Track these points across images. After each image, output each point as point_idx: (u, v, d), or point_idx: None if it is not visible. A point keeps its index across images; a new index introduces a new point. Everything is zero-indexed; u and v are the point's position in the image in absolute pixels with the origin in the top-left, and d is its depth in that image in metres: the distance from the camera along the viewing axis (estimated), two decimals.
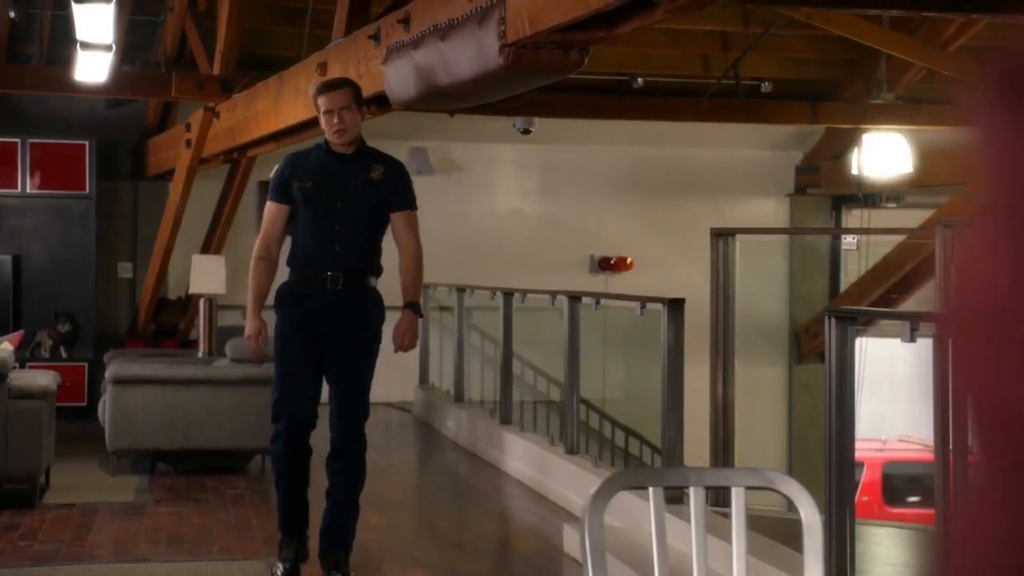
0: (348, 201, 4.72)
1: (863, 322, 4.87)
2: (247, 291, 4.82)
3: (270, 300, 4.85)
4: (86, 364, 10.03)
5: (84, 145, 10.24)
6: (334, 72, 6.29)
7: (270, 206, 4.82)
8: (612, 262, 11.80)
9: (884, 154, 9.80)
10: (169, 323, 10.62)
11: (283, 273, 4.86)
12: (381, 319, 4.81)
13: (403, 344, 4.80)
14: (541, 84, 4.86)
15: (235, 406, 7.23)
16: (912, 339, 4.21)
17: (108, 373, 7.36)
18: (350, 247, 4.71)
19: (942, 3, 4.60)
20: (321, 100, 4.71)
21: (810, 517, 2.08)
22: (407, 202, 4.83)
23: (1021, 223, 0.47)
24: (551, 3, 3.98)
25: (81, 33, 6.42)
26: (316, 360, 4.73)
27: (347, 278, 4.69)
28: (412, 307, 4.81)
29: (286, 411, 4.77)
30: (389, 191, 4.77)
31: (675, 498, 4.45)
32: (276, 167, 4.86)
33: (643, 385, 7.31)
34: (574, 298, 6.97)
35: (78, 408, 9.44)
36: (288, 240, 4.87)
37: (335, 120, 4.67)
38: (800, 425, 11.56)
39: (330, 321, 4.71)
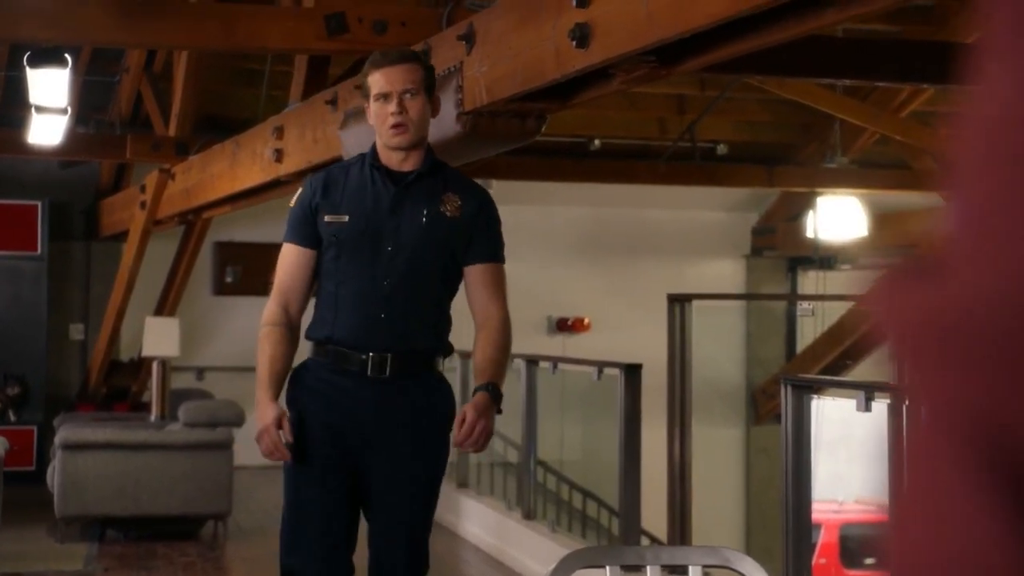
0: (404, 244, 3.24)
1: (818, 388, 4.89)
2: (257, 367, 3.31)
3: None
4: (35, 428, 9.86)
5: (36, 206, 10.13)
6: (291, 137, 6.26)
7: (287, 250, 3.34)
8: (570, 323, 11.79)
9: (839, 217, 9.88)
10: (121, 386, 10.47)
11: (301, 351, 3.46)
12: (450, 423, 3.30)
13: (471, 440, 3.19)
14: (498, 151, 4.86)
15: (188, 471, 7.12)
16: (868, 408, 4.22)
17: (58, 438, 7.24)
18: (405, 315, 3.23)
19: (892, 74, 4.66)
20: (375, 78, 3.26)
21: None
22: (494, 251, 3.36)
23: None
24: (508, 73, 3.98)
25: (35, 97, 6.37)
26: (349, 489, 3.24)
27: (399, 362, 3.21)
28: (489, 390, 3.21)
29: None
30: (469, 233, 3.30)
31: (634, 567, 4.41)
32: (299, 191, 3.41)
33: (601, 446, 7.29)
34: (531, 361, 6.96)
35: (27, 473, 9.26)
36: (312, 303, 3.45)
37: (392, 108, 3.21)
38: (757, 487, 11.54)
39: (372, 428, 3.22)
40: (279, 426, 3.18)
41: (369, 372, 3.22)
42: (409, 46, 4.99)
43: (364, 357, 3.22)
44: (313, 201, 3.32)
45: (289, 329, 3.32)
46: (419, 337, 3.27)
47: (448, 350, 3.37)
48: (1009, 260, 0.43)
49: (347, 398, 3.24)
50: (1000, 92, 0.45)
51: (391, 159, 3.31)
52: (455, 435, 3.22)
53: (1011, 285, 0.43)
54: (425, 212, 3.28)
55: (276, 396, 3.24)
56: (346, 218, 3.27)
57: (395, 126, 3.22)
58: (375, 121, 3.27)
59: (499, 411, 3.25)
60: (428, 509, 3.31)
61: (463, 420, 3.19)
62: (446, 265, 3.31)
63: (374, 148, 3.34)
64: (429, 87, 3.30)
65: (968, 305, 0.44)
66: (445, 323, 3.35)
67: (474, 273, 3.33)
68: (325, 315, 3.29)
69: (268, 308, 3.34)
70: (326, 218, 3.28)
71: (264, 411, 3.21)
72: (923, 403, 0.47)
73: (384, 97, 3.24)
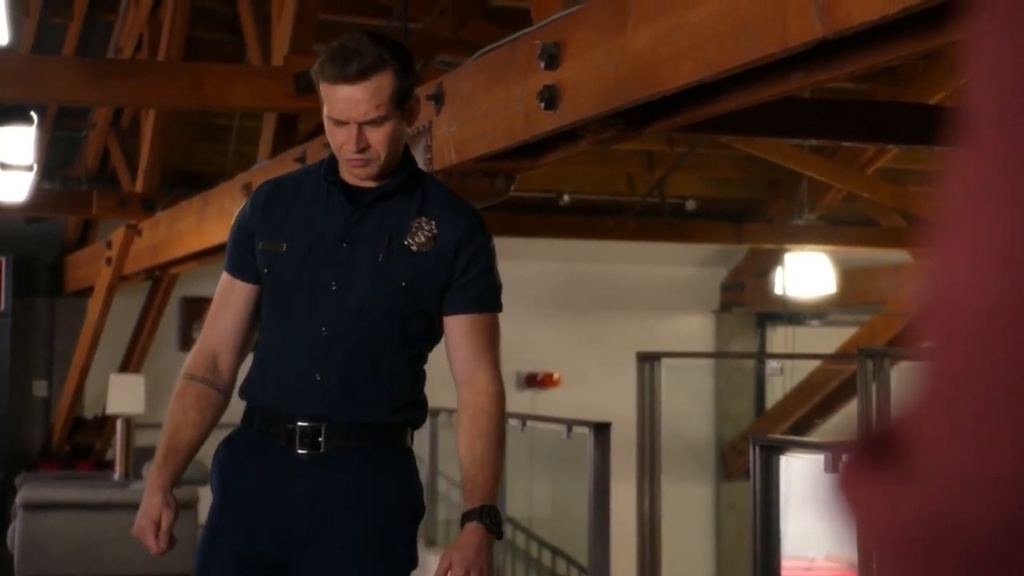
0: (354, 284, 2.46)
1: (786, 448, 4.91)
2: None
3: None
4: None
5: (0, 261, 10.05)
6: None
7: (222, 282, 2.61)
8: (539, 378, 11.76)
9: (807, 273, 9.92)
10: (85, 443, 10.34)
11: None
12: (412, 514, 2.52)
13: None
14: None
15: None
16: (834, 468, 4.22)
17: (19, 497, 7.13)
18: (347, 376, 2.45)
19: (859, 134, 4.69)
20: (326, 93, 2.44)
21: None
22: (480, 297, 2.54)
23: None
24: (477, 133, 3.98)
25: (1, 154, 6.33)
26: None
27: (336, 437, 2.43)
28: (484, 517, 2.42)
29: None
30: (445, 272, 2.49)
31: None
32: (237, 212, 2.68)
33: (570, 503, 7.26)
34: None
35: None
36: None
37: (351, 143, 2.41)
38: (727, 544, 11.50)
39: (304, 526, 2.42)
40: (158, 525, 2.45)
41: (297, 447, 2.41)
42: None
43: (291, 427, 2.42)
44: (251, 220, 2.55)
45: (213, 388, 2.53)
46: (367, 407, 2.44)
47: (417, 422, 2.54)
48: (981, 453, 0.41)
49: (273, 485, 2.43)
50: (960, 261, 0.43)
51: (354, 171, 2.49)
52: None
53: (986, 483, 0.40)
54: (385, 244, 2.47)
55: (170, 481, 2.47)
56: (284, 246, 2.49)
57: (355, 163, 2.44)
58: (329, 139, 2.47)
59: (499, 534, 2.43)
60: None
61: (447, 568, 2.36)
62: (410, 314, 2.47)
63: (332, 156, 2.52)
64: (402, 98, 2.44)
65: (939, 510, 0.42)
66: (409, 390, 2.51)
67: (454, 326, 2.51)
68: (253, 371, 2.54)
69: (192, 354, 2.58)
70: (261, 244, 2.51)
71: (146, 501, 2.46)
72: None
73: (337, 124, 2.43)
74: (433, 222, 2.49)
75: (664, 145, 9.77)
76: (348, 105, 2.40)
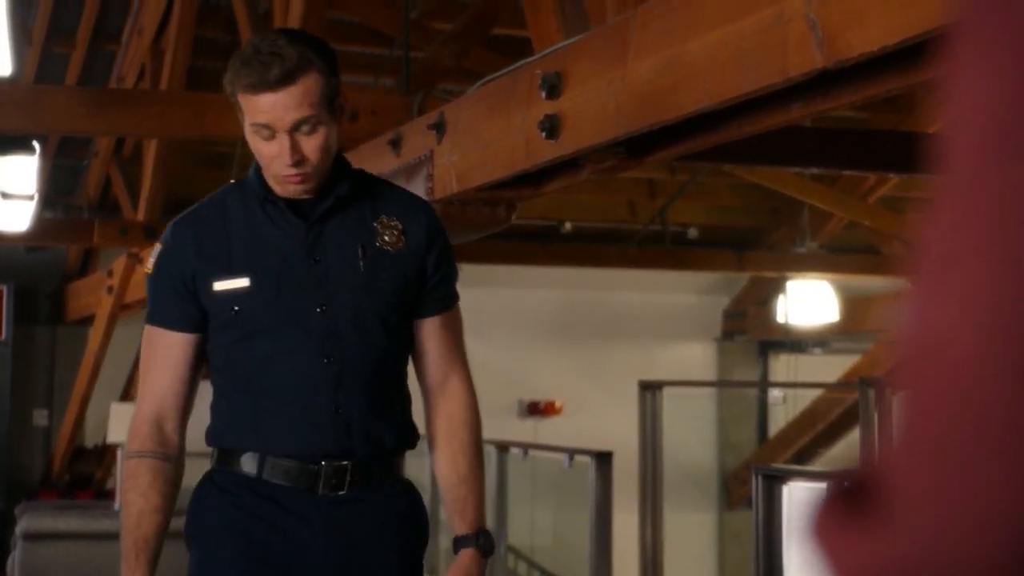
0: (342, 301, 2.27)
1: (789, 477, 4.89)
2: (121, 526, 2.28)
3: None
4: None
5: (1, 290, 10.05)
6: None
7: (155, 338, 2.32)
8: (541, 406, 11.73)
9: (809, 301, 9.91)
10: (85, 473, 10.31)
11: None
12: (426, 543, 2.40)
13: None
14: (469, 239, 4.85)
15: None
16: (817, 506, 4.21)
17: (19, 527, 7.09)
18: (367, 403, 2.27)
19: (859, 163, 4.70)
20: (247, 102, 2.22)
21: None
22: (451, 291, 2.42)
23: None
24: (478, 162, 3.99)
25: (2, 183, 6.34)
26: None
27: (361, 473, 2.26)
28: (479, 544, 2.35)
29: None
30: (421, 268, 2.35)
31: None
32: (153, 252, 2.38)
33: (572, 532, 7.23)
34: (502, 448, 6.91)
35: None
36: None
37: (285, 156, 2.20)
38: (730, 574, 11.44)
39: (331, 562, 2.25)
40: None
41: (320, 489, 2.21)
42: (380, 132, 5.02)
43: (314, 468, 2.22)
44: (186, 264, 2.28)
45: (165, 461, 2.29)
46: (386, 431, 2.27)
47: (414, 445, 2.37)
48: (964, 502, 0.40)
49: (287, 530, 2.22)
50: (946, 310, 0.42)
51: (289, 187, 2.26)
52: None
53: (968, 532, 0.39)
54: (359, 252, 2.28)
55: (148, 569, 2.24)
56: (246, 281, 2.24)
57: (291, 180, 2.22)
58: (256, 153, 2.25)
59: (489, 552, 2.35)
60: None
61: None
62: (399, 322, 2.31)
63: (258, 174, 2.30)
64: (332, 98, 2.22)
65: (918, 560, 0.41)
66: (408, 411, 2.36)
67: (426, 328, 2.36)
68: (235, 422, 2.30)
69: (133, 425, 2.31)
70: (215, 286, 2.25)
71: None
72: None
73: (263, 129, 2.20)
74: (395, 219, 2.33)
75: (666, 173, 9.78)
76: (275, 114, 2.18)
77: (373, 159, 4.90)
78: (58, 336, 10.70)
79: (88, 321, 9.82)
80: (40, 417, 10.62)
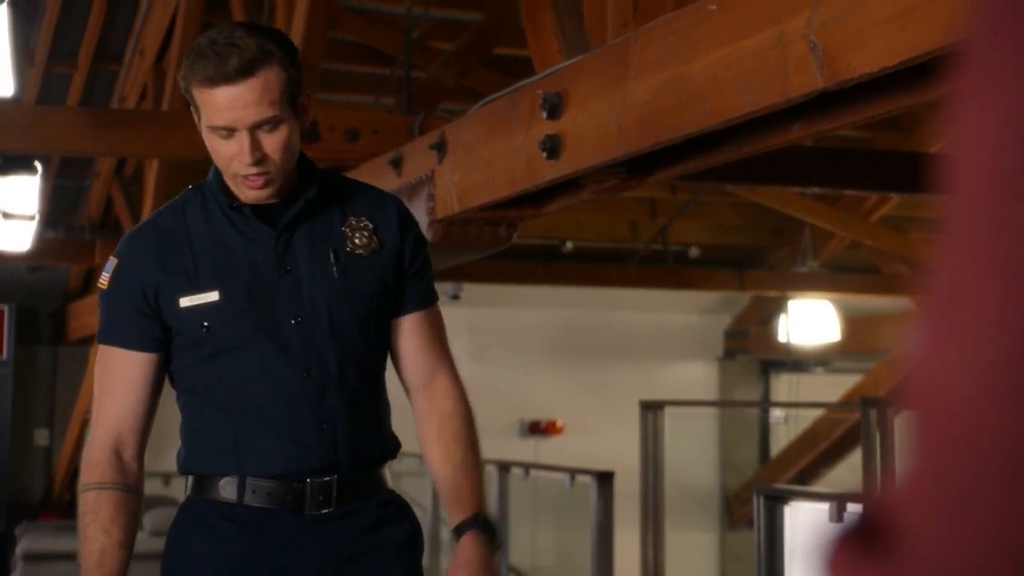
0: (316, 309, 2.15)
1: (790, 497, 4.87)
2: (80, 565, 2.19)
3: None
4: None
5: (3, 310, 10.05)
6: None
7: (111, 358, 2.19)
8: (542, 426, 11.71)
9: (811, 321, 9.90)
10: None
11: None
12: (421, 543, 2.29)
13: None
14: (470, 259, 4.85)
15: None
16: (839, 519, 4.18)
17: (19, 548, 7.08)
18: (353, 415, 2.15)
19: (861, 183, 4.70)
20: (204, 99, 2.06)
21: None
22: (429, 287, 2.29)
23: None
24: (480, 182, 3.99)
25: (4, 203, 6.35)
26: None
27: (347, 488, 2.14)
28: (481, 526, 2.17)
29: None
30: (397, 268, 2.23)
31: None
32: (108, 266, 2.23)
33: (573, 551, 7.22)
34: (503, 467, 6.90)
35: None
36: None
37: (245, 155, 2.07)
38: None
39: None
40: None
41: (307, 508, 2.09)
42: (381, 152, 5.02)
43: (298, 486, 2.09)
44: (148, 278, 2.14)
45: (125, 491, 2.14)
46: (372, 443, 2.16)
47: (395, 454, 2.24)
48: (974, 543, 0.39)
49: (276, 563, 2.09)
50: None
51: (250, 192, 2.13)
52: None
53: (980, 572, 0.39)
54: (332, 258, 2.16)
55: None
56: (215, 295, 2.11)
57: (253, 180, 2.09)
58: (214, 156, 2.12)
59: (498, 545, 2.19)
60: None
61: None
62: (378, 328, 2.20)
63: (219, 179, 2.17)
64: (294, 93, 2.09)
65: None
66: (388, 419, 2.24)
67: (407, 326, 2.23)
68: (211, 445, 2.14)
69: (89, 453, 2.15)
70: (182, 302, 2.12)
71: None
72: None
73: (222, 132, 2.06)
74: (365, 219, 2.21)
75: (667, 192, 9.79)
76: (233, 109, 2.03)
77: (374, 179, 4.90)
78: (59, 356, 10.70)
79: (89, 341, 9.81)
80: (41, 437, 10.60)
